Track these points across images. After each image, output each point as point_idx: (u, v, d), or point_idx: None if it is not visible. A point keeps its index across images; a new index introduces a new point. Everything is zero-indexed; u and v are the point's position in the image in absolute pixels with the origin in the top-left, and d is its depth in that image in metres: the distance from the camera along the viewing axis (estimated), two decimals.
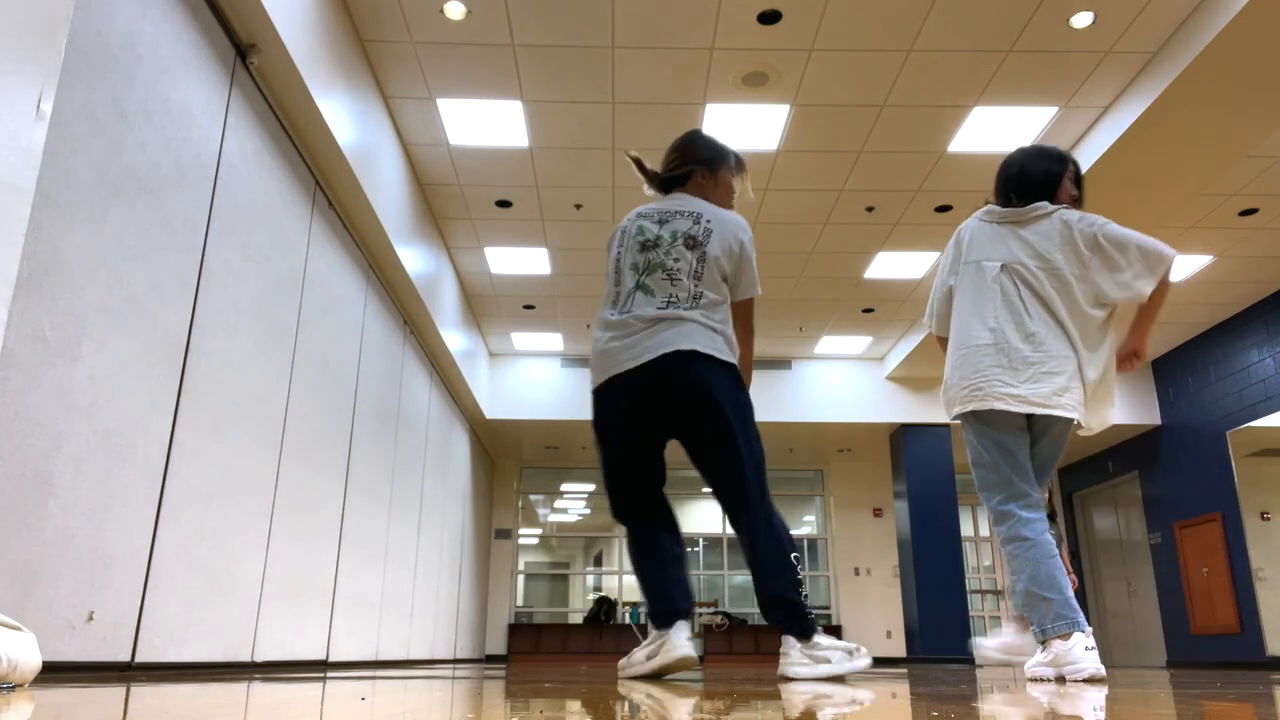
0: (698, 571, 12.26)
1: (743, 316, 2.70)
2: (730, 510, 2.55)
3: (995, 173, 2.97)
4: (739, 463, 2.50)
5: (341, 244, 5.04)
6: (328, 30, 4.34)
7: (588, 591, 12.94)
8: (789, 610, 2.43)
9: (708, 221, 2.67)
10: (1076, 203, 2.83)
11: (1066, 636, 2.44)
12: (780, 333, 9.53)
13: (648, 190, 2.86)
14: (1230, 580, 8.73)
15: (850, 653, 2.43)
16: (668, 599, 2.56)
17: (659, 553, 2.62)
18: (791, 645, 2.43)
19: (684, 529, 2.46)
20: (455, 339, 7.85)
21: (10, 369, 2.26)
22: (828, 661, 2.39)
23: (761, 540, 2.47)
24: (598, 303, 8.74)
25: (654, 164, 2.93)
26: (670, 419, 2.56)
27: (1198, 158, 5.56)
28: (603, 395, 2.60)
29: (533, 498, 12.74)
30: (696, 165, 2.80)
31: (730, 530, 13.26)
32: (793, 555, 2.48)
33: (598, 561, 14.01)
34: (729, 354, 2.57)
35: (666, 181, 2.83)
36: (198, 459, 3.29)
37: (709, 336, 2.54)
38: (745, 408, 2.55)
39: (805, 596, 2.48)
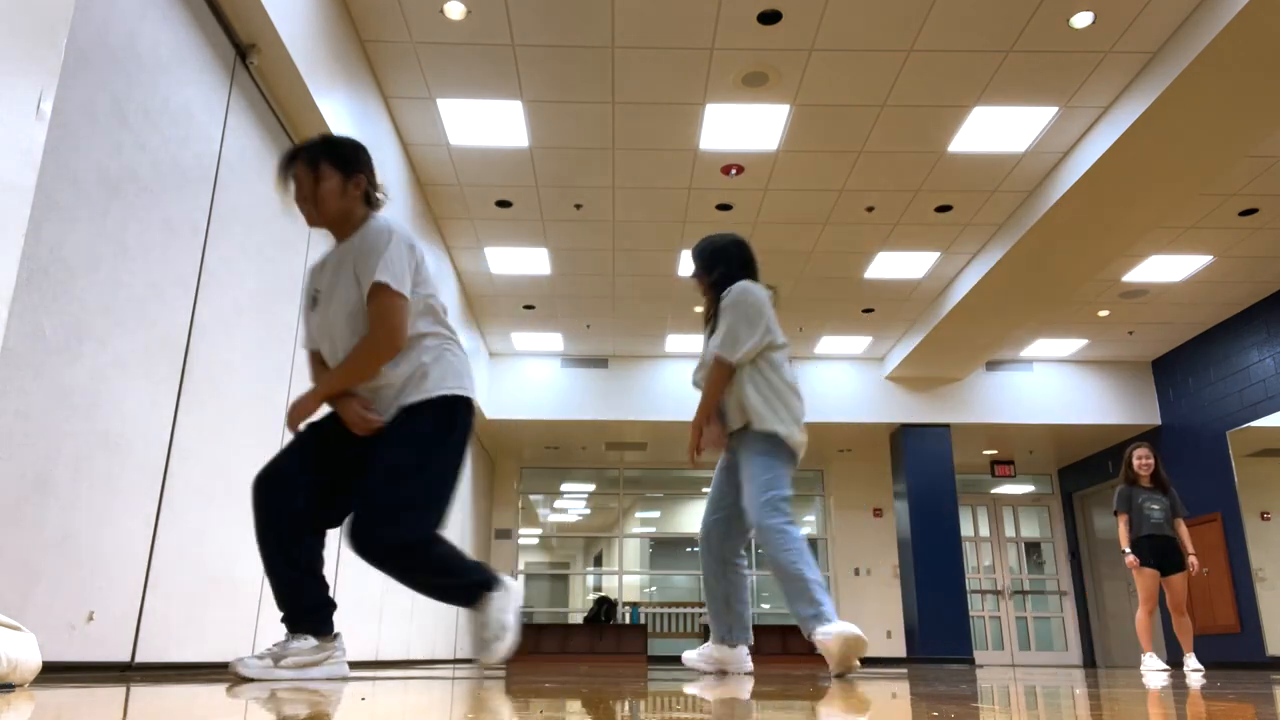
0: (693, 572, 12.26)
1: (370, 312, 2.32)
2: None
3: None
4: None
5: None
6: (328, 30, 4.34)
7: (588, 591, 12.94)
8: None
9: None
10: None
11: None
12: None
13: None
14: (1230, 580, 8.73)
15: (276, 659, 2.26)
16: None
17: None
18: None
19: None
20: None
21: (10, 369, 2.26)
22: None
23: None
24: (598, 303, 8.74)
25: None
26: None
27: (1198, 158, 5.56)
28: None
29: (533, 498, 12.73)
30: None
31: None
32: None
33: (598, 561, 14.01)
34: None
35: None
36: (198, 459, 3.29)
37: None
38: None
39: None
